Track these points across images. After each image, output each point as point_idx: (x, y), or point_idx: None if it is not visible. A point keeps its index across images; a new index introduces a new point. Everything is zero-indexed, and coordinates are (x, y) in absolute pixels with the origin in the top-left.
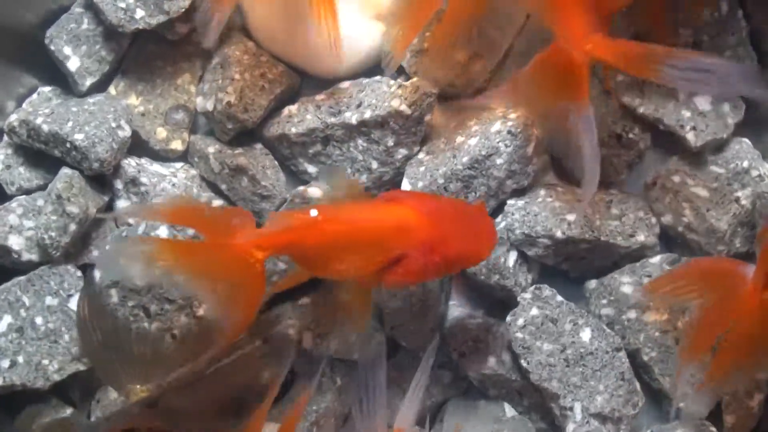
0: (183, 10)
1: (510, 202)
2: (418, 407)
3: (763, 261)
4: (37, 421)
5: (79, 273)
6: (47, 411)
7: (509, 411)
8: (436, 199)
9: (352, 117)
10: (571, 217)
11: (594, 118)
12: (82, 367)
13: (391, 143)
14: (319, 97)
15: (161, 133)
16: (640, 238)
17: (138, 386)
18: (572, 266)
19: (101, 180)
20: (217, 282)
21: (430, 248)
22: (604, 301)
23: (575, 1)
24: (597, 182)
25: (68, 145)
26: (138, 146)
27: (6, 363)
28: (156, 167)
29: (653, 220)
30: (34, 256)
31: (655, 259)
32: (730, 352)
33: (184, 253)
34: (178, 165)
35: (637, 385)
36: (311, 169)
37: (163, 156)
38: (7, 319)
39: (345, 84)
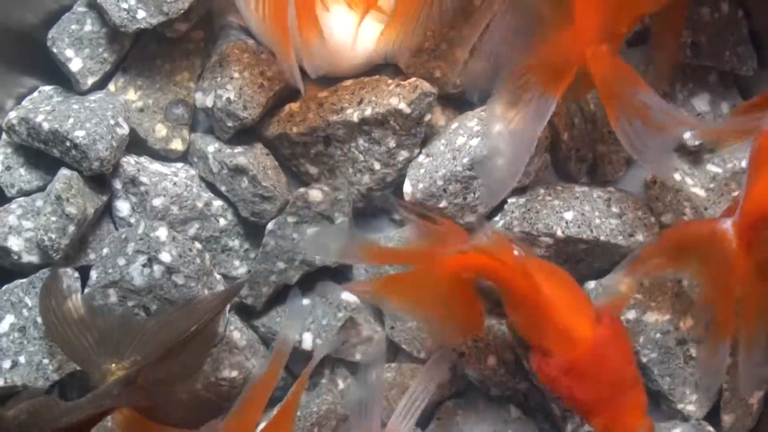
0: (182, 11)
1: (510, 200)
2: (415, 409)
3: (744, 215)
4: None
5: (77, 274)
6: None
7: (514, 412)
8: (616, 350)
9: (353, 114)
10: (568, 216)
11: (548, 116)
12: (80, 366)
13: (392, 144)
14: (322, 94)
15: (161, 130)
16: (640, 237)
17: (113, 365)
18: (571, 268)
19: (99, 180)
20: (434, 305)
21: (567, 373)
22: (604, 301)
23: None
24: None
25: (68, 143)
26: (136, 144)
27: (7, 363)
28: (156, 166)
29: (652, 219)
30: (33, 258)
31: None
32: (751, 323)
33: (399, 286)
34: (179, 165)
35: None
36: (313, 170)
37: (162, 156)
38: (10, 318)
39: (347, 82)
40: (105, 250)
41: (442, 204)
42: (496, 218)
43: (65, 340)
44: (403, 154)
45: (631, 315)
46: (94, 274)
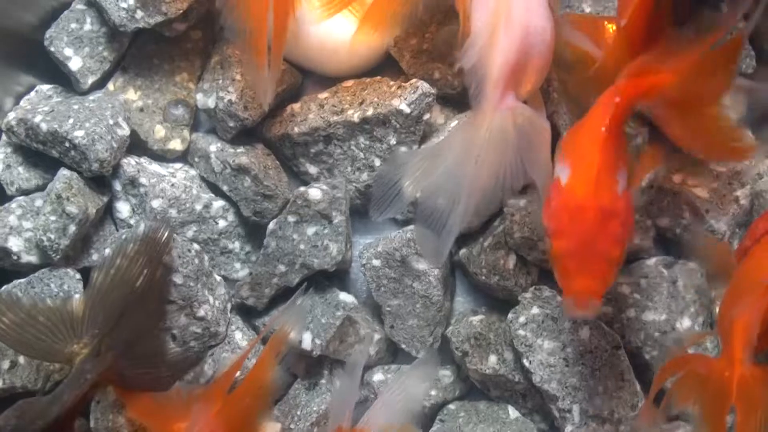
0: (181, 11)
1: (510, 202)
2: (390, 409)
3: None
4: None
5: (78, 276)
6: None
7: (512, 413)
8: None
9: (354, 115)
10: None
11: None
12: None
13: (393, 141)
14: (323, 95)
15: (159, 131)
16: (635, 240)
17: (75, 346)
18: None
19: (99, 181)
20: None
21: None
22: (603, 300)
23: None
24: None
25: (67, 144)
26: (136, 146)
27: (6, 364)
28: (155, 167)
29: (648, 222)
30: (33, 258)
31: (651, 261)
32: None
33: None
34: (177, 165)
35: (638, 386)
36: (312, 169)
37: (161, 156)
38: None
39: (348, 83)
40: (107, 251)
41: None
42: (496, 222)
43: (20, 341)
44: (403, 151)
45: (631, 313)
46: (95, 274)
